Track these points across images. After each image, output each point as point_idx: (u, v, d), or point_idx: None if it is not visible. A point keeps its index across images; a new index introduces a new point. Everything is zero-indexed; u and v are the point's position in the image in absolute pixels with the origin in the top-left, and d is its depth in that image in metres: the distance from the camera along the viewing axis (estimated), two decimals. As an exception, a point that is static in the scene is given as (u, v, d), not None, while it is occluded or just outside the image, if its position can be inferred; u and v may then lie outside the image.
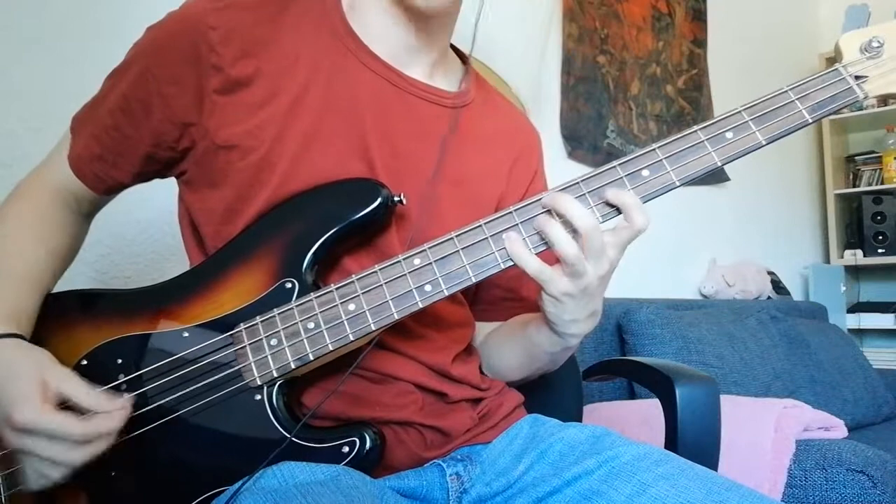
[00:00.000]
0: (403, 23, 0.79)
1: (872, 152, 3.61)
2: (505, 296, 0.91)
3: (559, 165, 2.12)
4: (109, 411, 0.66)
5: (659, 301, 2.09)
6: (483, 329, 0.93)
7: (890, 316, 3.30)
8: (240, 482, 0.65)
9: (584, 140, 2.23)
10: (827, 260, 3.54)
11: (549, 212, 0.70)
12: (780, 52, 3.41)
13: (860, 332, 3.34)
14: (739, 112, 0.71)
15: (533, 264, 0.69)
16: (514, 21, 2.03)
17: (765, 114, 0.70)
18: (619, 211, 0.69)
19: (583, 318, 0.73)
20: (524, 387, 0.92)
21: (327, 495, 0.60)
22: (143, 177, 0.83)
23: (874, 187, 3.49)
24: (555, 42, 2.19)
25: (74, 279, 0.85)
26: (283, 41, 0.77)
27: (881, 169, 3.50)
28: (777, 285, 2.89)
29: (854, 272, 3.51)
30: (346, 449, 0.69)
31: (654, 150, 0.70)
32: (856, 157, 3.67)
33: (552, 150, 2.10)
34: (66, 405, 0.66)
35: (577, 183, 0.70)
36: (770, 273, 2.88)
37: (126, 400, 0.68)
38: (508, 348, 0.88)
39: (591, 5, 2.32)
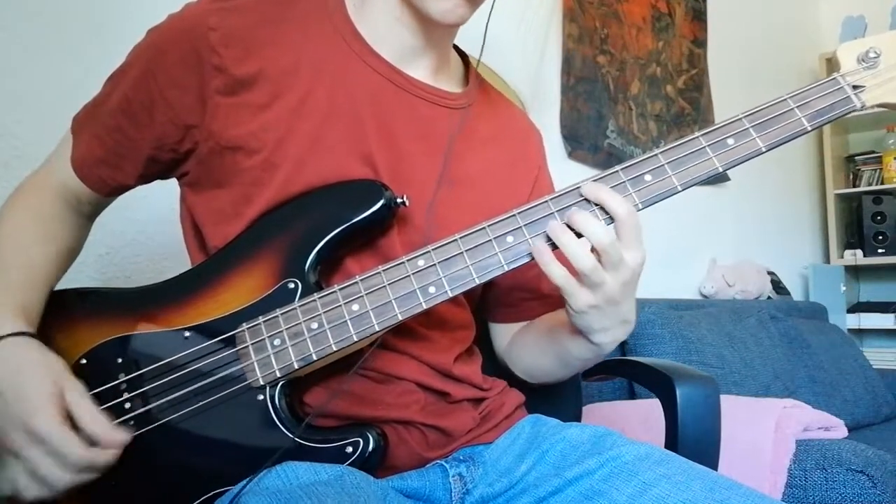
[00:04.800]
0: (410, 24, 0.79)
1: (872, 152, 3.62)
2: (526, 296, 0.91)
3: (559, 165, 2.12)
4: (110, 444, 0.66)
5: (659, 301, 2.09)
6: (508, 332, 0.94)
7: (890, 316, 3.30)
8: (243, 482, 0.65)
9: (584, 140, 2.23)
10: (827, 260, 3.54)
11: (552, 214, 0.70)
12: (781, 52, 3.41)
13: (860, 332, 3.35)
14: (740, 119, 0.72)
15: (560, 274, 0.69)
16: (514, 21, 2.03)
17: (765, 121, 0.72)
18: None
19: (614, 326, 0.73)
20: (523, 387, 0.92)
21: (332, 496, 0.60)
22: (146, 178, 0.83)
23: (874, 187, 3.50)
24: (555, 42, 2.19)
25: (74, 279, 0.85)
26: (285, 41, 0.77)
27: (881, 169, 3.50)
28: (777, 285, 2.89)
29: (854, 272, 3.52)
30: (349, 449, 0.69)
31: (656, 154, 0.71)
32: (856, 157, 3.68)
33: (552, 150, 2.08)
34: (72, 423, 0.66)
35: (579, 188, 0.71)
36: (770, 273, 2.88)
37: (128, 436, 0.68)
38: (540, 354, 0.88)
39: (591, 5, 2.32)
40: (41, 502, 0.66)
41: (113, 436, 0.67)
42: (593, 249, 0.67)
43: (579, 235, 0.68)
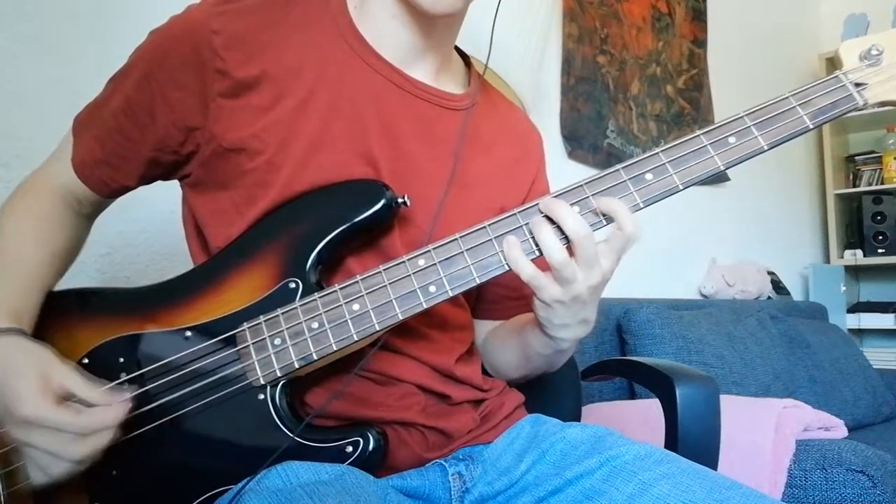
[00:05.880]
0: (409, 24, 0.79)
1: (872, 152, 3.62)
2: (507, 294, 0.91)
3: (559, 165, 2.12)
4: (110, 405, 0.67)
5: (659, 301, 2.10)
6: (485, 327, 0.94)
7: (890, 316, 3.30)
8: (244, 481, 0.65)
9: (584, 140, 2.24)
10: (827, 260, 3.54)
11: (548, 216, 0.70)
12: (780, 53, 3.41)
13: (860, 332, 3.35)
14: (742, 117, 0.72)
15: (527, 270, 0.69)
16: (514, 21, 2.03)
17: (767, 119, 0.71)
18: (609, 220, 0.69)
19: (573, 323, 0.74)
20: (523, 387, 0.93)
21: (332, 495, 0.61)
22: (147, 180, 0.83)
23: (874, 187, 3.50)
24: (555, 42, 2.19)
25: (74, 279, 0.85)
26: (288, 44, 0.76)
27: (881, 169, 3.51)
28: (777, 285, 2.89)
29: (854, 272, 3.52)
30: (349, 449, 0.69)
31: (657, 153, 0.71)
32: (856, 157, 3.68)
33: (552, 150, 2.10)
34: (69, 400, 0.67)
35: (581, 186, 0.71)
36: (770, 273, 2.88)
37: (127, 394, 0.69)
38: (506, 348, 0.89)
39: (591, 5, 2.32)
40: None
41: (109, 397, 0.67)
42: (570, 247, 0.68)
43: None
